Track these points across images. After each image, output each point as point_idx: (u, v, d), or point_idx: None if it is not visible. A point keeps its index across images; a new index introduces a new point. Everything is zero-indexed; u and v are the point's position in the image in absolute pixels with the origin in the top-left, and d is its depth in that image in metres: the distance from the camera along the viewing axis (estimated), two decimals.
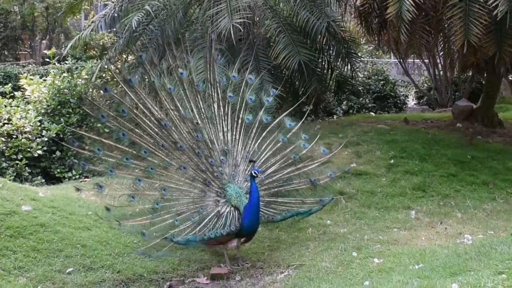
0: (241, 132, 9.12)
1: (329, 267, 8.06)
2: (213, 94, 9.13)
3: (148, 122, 8.80)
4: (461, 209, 10.94)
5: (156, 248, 8.40)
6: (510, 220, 10.26)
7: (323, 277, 7.70)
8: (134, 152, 8.78)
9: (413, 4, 12.08)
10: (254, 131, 9.16)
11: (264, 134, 9.18)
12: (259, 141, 9.13)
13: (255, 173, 8.32)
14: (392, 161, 12.75)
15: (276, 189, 9.14)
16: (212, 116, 9.01)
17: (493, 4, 11.43)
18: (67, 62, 17.43)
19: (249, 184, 8.53)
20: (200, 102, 9.03)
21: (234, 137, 9.05)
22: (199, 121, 8.92)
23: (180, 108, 8.92)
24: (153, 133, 8.81)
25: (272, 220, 9.07)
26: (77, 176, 13.73)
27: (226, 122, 9.06)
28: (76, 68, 17.96)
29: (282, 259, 8.84)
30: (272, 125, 9.28)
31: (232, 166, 8.88)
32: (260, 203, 8.53)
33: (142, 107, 8.84)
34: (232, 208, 8.53)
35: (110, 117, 8.84)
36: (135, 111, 8.86)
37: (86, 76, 15.83)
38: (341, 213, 10.74)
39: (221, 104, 9.13)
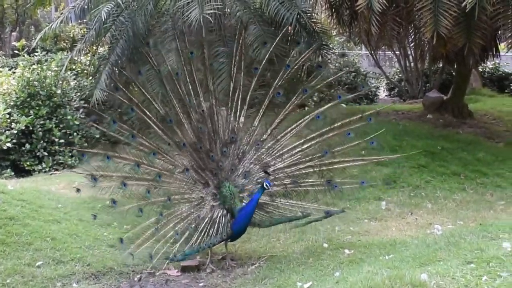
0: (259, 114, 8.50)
1: (300, 258, 8.07)
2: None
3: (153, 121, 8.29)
4: (432, 200, 11.04)
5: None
6: (479, 210, 10.37)
7: (294, 268, 7.69)
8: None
9: None
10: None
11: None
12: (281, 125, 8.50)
13: (266, 185, 7.79)
14: (363, 152, 12.76)
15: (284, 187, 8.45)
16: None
17: None
18: (36, 54, 17.27)
19: (246, 181, 8.24)
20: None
21: (248, 121, 8.45)
22: (204, 108, 8.30)
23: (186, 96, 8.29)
24: (160, 132, 8.30)
25: (259, 225, 8.55)
26: (47, 169, 13.62)
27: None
28: (46, 60, 17.77)
29: (253, 250, 8.85)
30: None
31: (234, 158, 8.34)
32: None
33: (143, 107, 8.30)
34: (224, 212, 8.22)
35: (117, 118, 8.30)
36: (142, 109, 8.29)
37: (56, 68, 15.70)
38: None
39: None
